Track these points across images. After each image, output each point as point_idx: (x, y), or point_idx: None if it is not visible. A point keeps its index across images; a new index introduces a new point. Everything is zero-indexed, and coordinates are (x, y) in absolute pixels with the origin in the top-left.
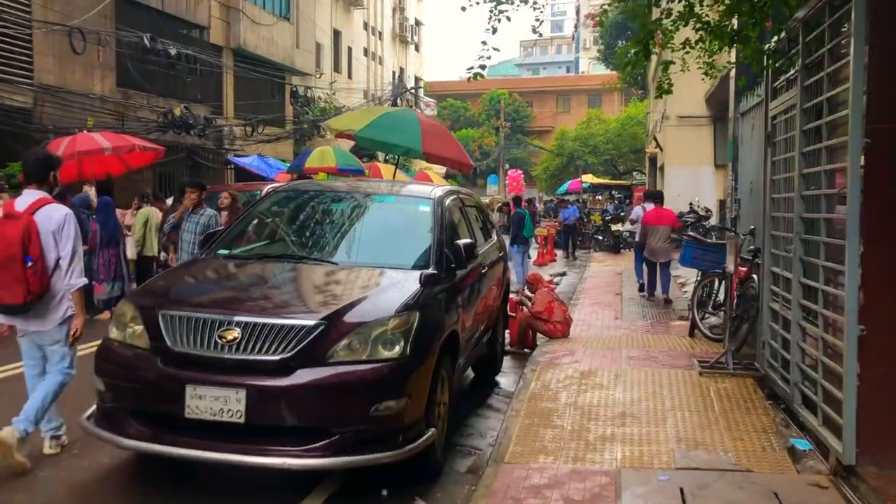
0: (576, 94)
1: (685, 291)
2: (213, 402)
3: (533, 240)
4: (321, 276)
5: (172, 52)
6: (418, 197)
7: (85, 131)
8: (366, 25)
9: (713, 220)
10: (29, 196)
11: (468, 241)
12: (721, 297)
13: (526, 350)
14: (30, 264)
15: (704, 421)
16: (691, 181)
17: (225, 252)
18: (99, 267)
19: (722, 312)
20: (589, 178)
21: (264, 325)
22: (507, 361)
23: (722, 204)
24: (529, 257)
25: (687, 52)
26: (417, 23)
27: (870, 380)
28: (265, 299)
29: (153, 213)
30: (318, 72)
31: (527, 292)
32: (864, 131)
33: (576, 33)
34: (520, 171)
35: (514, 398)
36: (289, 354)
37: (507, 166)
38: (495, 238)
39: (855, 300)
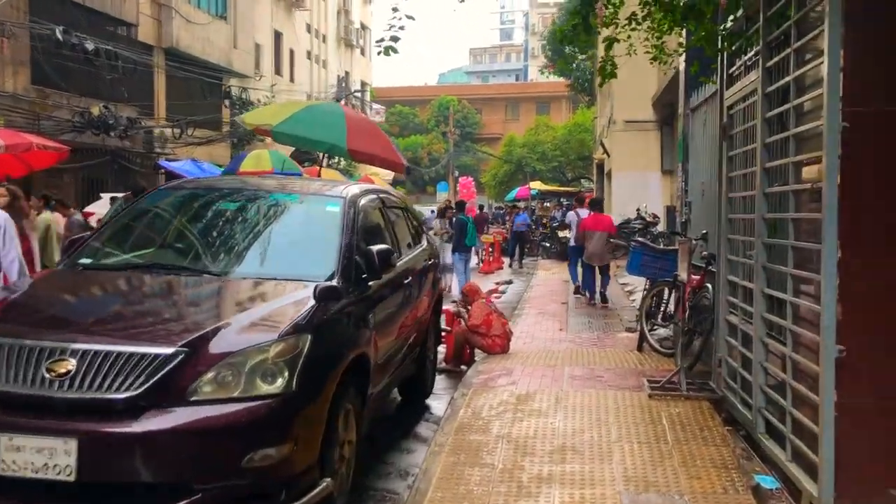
0: (524, 102)
1: (633, 300)
2: (35, 456)
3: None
4: (196, 290)
5: (90, 46)
6: (327, 196)
7: None
8: (309, 28)
9: (660, 227)
10: None
11: (384, 246)
12: (672, 307)
13: (462, 367)
14: None
15: (656, 455)
16: (638, 187)
17: (87, 262)
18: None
19: (673, 325)
20: (537, 185)
21: (108, 353)
22: (441, 381)
23: (669, 210)
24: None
25: (633, 29)
26: (363, 27)
27: (850, 410)
28: (117, 322)
29: (56, 219)
30: (258, 74)
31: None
32: (842, 115)
33: (525, 42)
34: (471, 178)
35: (439, 430)
36: (137, 392)
37: (456, 173)
38: (426, 244)
39: (833, 315)
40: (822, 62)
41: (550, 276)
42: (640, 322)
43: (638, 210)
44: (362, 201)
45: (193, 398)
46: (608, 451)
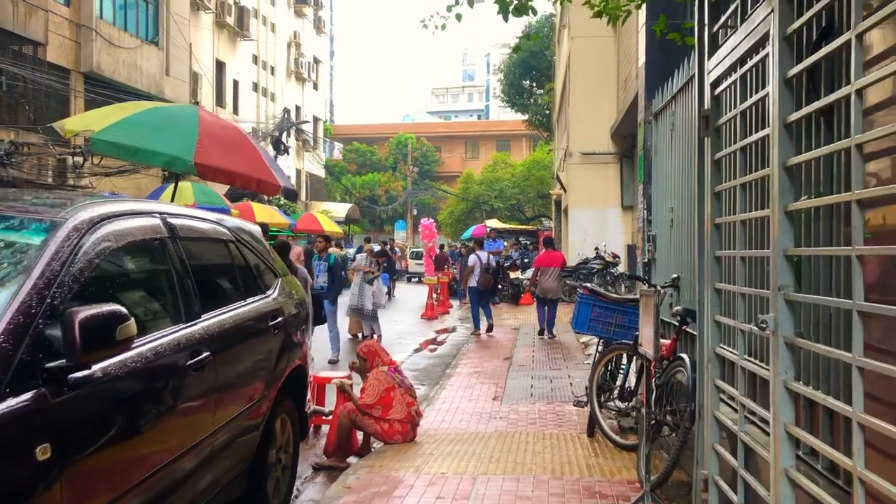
0: (484, 140)
1: (588, 355)
2: None
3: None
4: None
5: None
6: (29, 217)
7: None
8: (255, 59)
9: (621, 267)
10: None
11: (99, 310)
12: (632, 381)
13: (350, 461)
14: None
15: None
16: (597, 224)
17: None
18: None
19: (635, 410)
20: (494, 223)
21: None
22: (314, 488)
23: (631, 249)
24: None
25: None
26: (316, 60)
27: None
28: None
29: None
30: (195, 104)
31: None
32: None
33: (487, 81)
34: (432, 220)
35: None
36: None
37: (415, 211)
38: (276, 293)
39: None
40: None
41: (498, 322)
42: (590, 398)
43: (597, 249)
44: (108, 228)
45: None
46: None
